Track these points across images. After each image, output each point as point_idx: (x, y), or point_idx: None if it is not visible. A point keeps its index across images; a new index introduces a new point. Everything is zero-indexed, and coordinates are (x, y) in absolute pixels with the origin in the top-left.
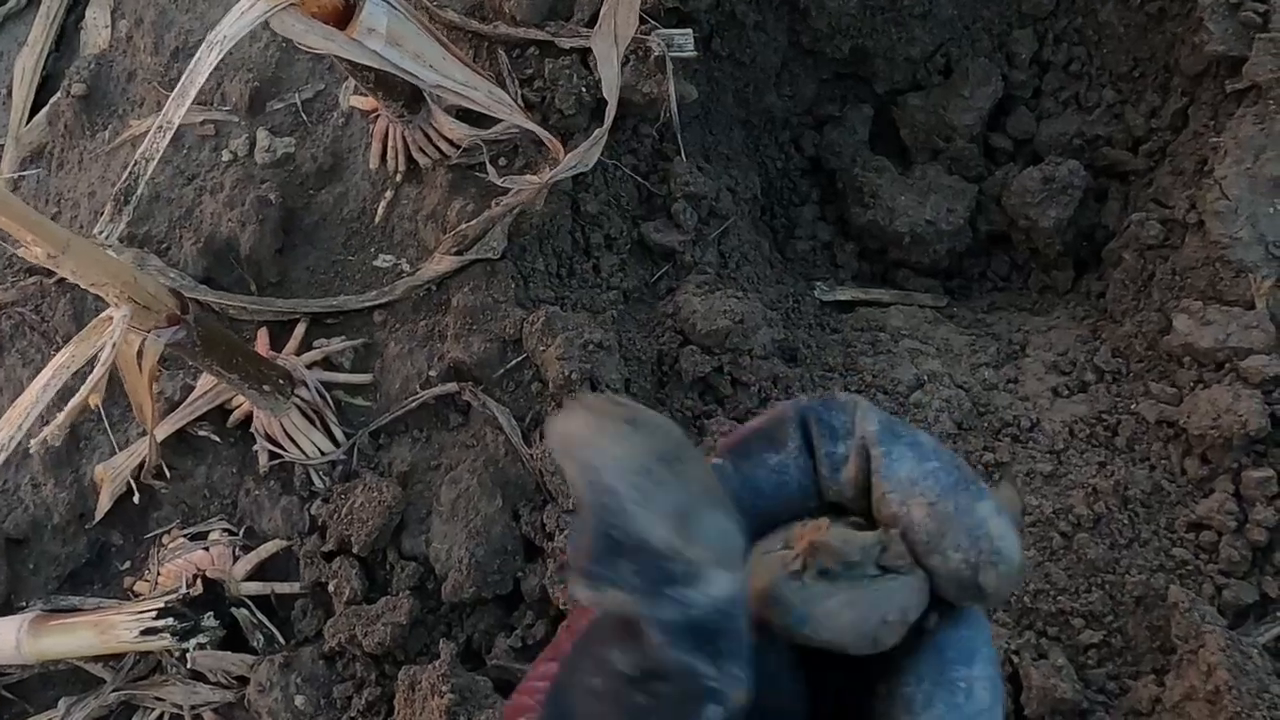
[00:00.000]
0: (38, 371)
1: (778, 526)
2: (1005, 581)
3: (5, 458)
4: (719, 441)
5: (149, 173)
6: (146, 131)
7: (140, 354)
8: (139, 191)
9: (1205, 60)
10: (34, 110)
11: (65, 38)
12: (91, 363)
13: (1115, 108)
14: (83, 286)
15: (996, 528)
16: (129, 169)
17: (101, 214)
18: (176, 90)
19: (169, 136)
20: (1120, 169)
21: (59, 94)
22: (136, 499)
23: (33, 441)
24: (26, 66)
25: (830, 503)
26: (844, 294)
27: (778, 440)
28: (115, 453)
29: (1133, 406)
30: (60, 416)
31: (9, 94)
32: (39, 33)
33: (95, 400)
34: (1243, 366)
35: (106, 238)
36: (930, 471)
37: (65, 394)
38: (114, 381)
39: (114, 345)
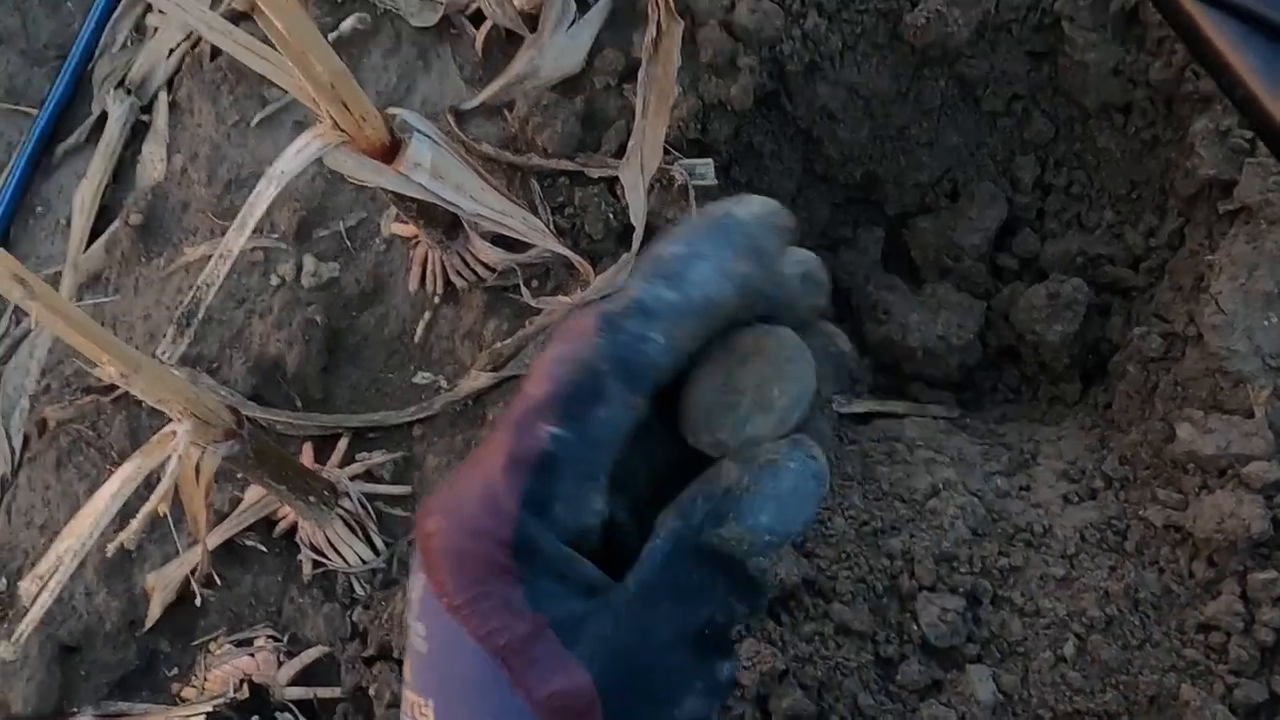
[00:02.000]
0: (93, 485)
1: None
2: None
3: (75, 564)
4: (527, 389)
5: (210, 297)
6: (199, 259)
7: (198, 467)
8: (199, 315)
9: (1198, 183)
10: (91, 238)
11: (122, 170)
12: (152, 475)
13: (1115, 228)
14: (149, 403)
15: (754, 208)
16: (192, 293)
17: (155, 336)
18: (237, 220)
19: (230, 263)
20: (1122, 285)
21: (117, 222)
22: (188, 607)
23: (110, 546)
24: (86, 197)
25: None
26: (860, 406)
27: (597, 394)
28: (164, 562)
29: (1141, 512)
30: (134, 523)
31: (68, 223)
32: (98, 166)
33: (164, 509)
34: (1244, 472)
35: (169, 358)
36: (686, 236)
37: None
38: None
39: (180, 457)
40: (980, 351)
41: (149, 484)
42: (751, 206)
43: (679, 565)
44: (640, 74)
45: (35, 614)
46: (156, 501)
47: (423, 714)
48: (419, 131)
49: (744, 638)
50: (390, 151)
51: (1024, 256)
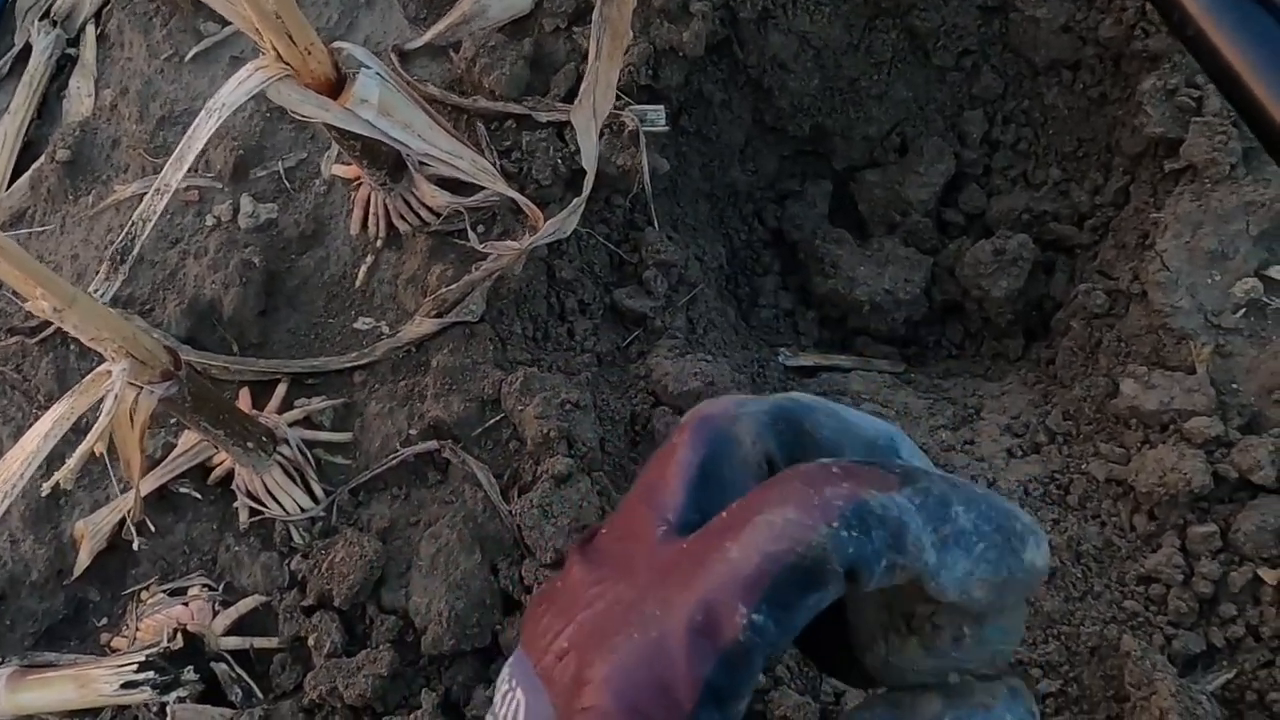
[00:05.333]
0: (18, 429)
1: None
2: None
3: (7, 506)
4: (728, 549)
5: (146, 233)
6: (131, 197)
7: (134, 408)
8: (135, 251)
9: (1145, 141)
10: (13, 176)
11: (46, 105)
12: (81, 419)
13: (1061, 185)
14: (83, 340)
15: (1042, 560)
16: (126, 230)
17: (83, 276)
18: (175, 154)
19: (167, 199)
20: (1066, 243)
21: (43, 159)
22: (118, 554)
23: (45, 485)
24: (8, 133)
25: None
26: (806, 359)
27: (818, 584)
28: (94, 510)
29: (1083, 466)
30: (71, 461)
31: None
32: (21, 100)
33: (100, 449)
34: (1186, 428)
35: (101, 296)
36: (981, 555)
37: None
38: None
39: (116, 396)
40: (926, 306)
41: (77, 427)
42: (1038, 556)
43: None
44: (595, 14)
45: None
46: (94, 440)
47: None
48: (366, 67)
49: None
50: (335, 87)
51: (970, 212)
